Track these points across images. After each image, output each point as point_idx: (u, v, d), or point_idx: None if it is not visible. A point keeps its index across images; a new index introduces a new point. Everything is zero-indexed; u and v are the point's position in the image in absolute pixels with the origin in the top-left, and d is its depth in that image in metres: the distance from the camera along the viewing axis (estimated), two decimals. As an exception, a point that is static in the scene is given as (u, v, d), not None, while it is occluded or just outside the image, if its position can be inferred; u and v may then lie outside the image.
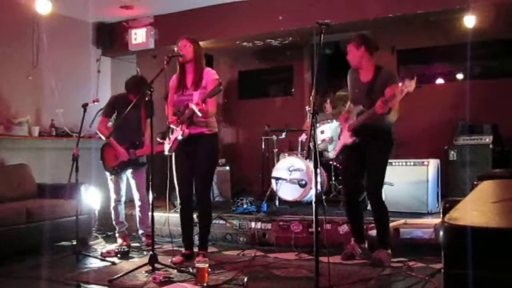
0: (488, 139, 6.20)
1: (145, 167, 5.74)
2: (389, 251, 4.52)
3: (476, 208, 1.52)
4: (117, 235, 5.72)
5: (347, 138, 4.66)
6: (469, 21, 6.28)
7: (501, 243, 1.16)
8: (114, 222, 5.72)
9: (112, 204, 5.69)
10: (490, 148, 6.12)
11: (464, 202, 1.64)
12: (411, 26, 7.10)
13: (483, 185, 2.19)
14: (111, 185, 5.67)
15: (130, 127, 5.55)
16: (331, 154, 5.03)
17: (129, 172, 5.65)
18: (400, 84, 4.15)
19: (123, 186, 5.71)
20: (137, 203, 5.69)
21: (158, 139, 4.99)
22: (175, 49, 4.77)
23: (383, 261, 4.41)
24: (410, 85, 4.10)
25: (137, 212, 5.73)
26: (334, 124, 6.18)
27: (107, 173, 5.66)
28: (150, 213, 4.60)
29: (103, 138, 5.54)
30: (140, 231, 5.76)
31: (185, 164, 4.74)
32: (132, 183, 5.69)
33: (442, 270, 1.27)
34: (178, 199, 4.87)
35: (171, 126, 4.73)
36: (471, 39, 6.26)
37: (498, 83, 7.03)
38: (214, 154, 4.86)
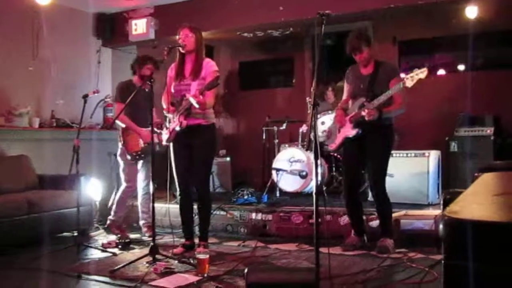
0: (489, 131, 6.18)
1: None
2: (392, 240, 4.56)
3: (477, 201, 1.52)
4: (112, 222, 5.61)
5: (349, 131, 4.65)
6: (471, 11, 6.25)
7: (501, 237, 1.16)
8: (116, 208, 5.60)
9: (124, 192, 5.57)
10: (491, 140, 6.11)
11: (465, 195, 1.63)
12: (413, 17, 7.07)
13: (483, 178, 2.18)
14: (126, 172, 5.56)
15: (144, 114, 5.54)
16: (329, 148, 5.02)
17: (140, 161, 5.61)
18: (409, 73, 4.19)
19: (138, 175, 5.67)
20: (144, 191, 5.67)
21: (156, 129, 4.98)
22: (177, 37, 4.73)
23: (389, 249, 4.46)
24: (421, 72, 4.14)
25: (141, 202, 5.72)
26: (334, 117, 6.17)
27: (121, 161, 5.56)
28: (151, 204, 4.59)
29: (122, 124, 5.45)
30: (142, 221, 5.75)
31: (184, 155, 4.73)
32: (142, 171, 5.66)
33: (442, 262, 1.27)
34: (178, 190, 4.87)
35: (167, 115, 4.74)
36: (473, 30, 6.22)
37: (500, 75, 7.00)
38: (212, 145, 4.84)
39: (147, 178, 5.63)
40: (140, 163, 5.62)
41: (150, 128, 5.13)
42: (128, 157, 5.50)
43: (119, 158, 5.62)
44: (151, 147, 5.29)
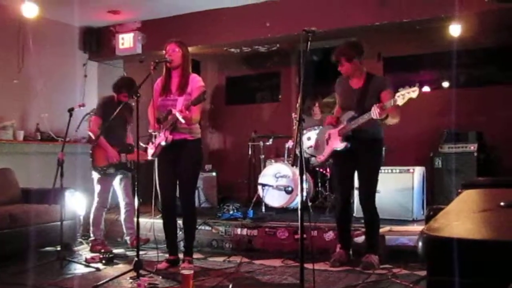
0: (473, 147, 6.25)
1: (132, 173, 5.73)
2: (377, 256, 4.55)
3: (457, 219, 1.53)
4: (93, 242, 5.60)
5: (337, 143, 4.64)
6: (455, 29, 6.35)
7: (481, 254, 1.17)
8: (93, 229, 5.61)
9: (97, 210, 5.59)
10: (475, 156, 6.17)
11: (445, 212, 1.65)
12: (397, 34, 7.15)
13: (464, 195, 2.21)
14: (98, 189, 5.57)
15: (119, 130, 5.56)
16: (317, 159, 5.01)
17: (118, 177, 5.61)
18: (400, 90, 4.14)
19: (111, 193, 5.66)
20: (126, 208, 5.66)
21: (142, 144, 4.96)
22: (163, 52, 4.74)
23: (374, 264, 4.44)
24: (412, 91, 4.08)
25: (124, 218, 5.69)
26: (321, 129, 6.19)
27: (96, 175, 5.57)
28: (135, 219, 4.56)
29: (93, 137, 5.49)
30: (128, 237, 5.71)
31: (169, 170, 4.71)
32: (120, 188, 5.66)
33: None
34: (161, 204, 4.86)
35: (152, 132, 4.72)
36: (456, 48, 6.31)
37: (483, 91, 7.10)
38: (198, 160, 4.84)
39: (128, 196, 5.66)
40: (118, 179, 5.62)
41: (118, 149, 5.38)
42: (94, 171, 5.55)
43: (93, 172, 5.63)
44: (121, 164, 5.33)
